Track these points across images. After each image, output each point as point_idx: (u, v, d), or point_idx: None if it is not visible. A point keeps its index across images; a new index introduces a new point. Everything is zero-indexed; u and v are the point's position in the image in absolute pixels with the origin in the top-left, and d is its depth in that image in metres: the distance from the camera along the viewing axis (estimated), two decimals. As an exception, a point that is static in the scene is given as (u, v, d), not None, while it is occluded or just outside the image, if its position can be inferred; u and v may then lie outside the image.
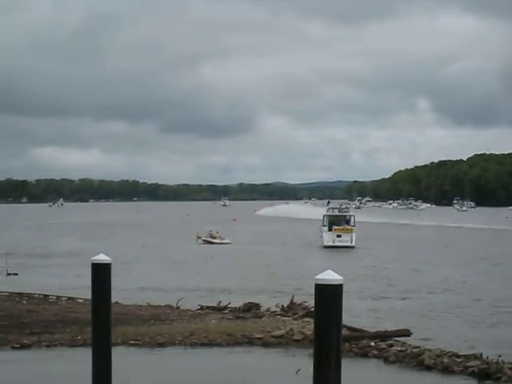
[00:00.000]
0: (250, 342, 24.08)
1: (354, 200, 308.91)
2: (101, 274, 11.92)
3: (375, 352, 22.52)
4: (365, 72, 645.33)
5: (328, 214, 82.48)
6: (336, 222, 78.38)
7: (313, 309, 9.57)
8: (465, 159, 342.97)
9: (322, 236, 77.40)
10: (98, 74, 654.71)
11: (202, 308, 30.75)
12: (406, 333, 23.93)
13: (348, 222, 79.11)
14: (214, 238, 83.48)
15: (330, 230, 76.64)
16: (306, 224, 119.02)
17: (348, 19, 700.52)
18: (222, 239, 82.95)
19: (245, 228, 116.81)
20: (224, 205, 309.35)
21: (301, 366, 19.22)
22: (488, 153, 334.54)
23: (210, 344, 23.73)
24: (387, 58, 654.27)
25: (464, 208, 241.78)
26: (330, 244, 74.56)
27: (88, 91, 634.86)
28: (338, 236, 75.59)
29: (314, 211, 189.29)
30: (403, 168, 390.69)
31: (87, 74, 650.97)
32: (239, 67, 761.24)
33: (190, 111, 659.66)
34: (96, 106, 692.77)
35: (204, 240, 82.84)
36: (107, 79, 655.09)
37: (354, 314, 29.65)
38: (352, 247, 73.70)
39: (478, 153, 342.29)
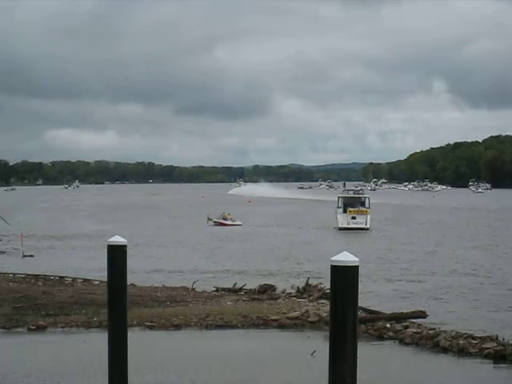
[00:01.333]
0: (265, 323, 24.08)
1: (369, 182, 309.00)
2: (116, 256, 11.88)
3: (391, 334, 22.50)
4: (380, 53, 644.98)
5: (343, 195, 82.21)
6: (351, 203, 77.97)
7: (328, 290, 9.54)
8: (480, 141, 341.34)
9: (336, 218, 77.21)
10: (114, 57, 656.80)
11: (217, 290, 30.79)
12: (422, 314, 23.90)
13: (363, 204, 78.74)
14: (226, 219, 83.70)
15: (344, 211, 76.31)
16: (322, 205, 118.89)
17: (364, 0, 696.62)
18: (234, 221, 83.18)
19: (260, 210, 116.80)
20: (239, 187, 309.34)
21: (316, 347, 19.24)
22: (504, 134, 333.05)
23: (226, 325, 23.75)
24: (403, 39, 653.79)
25: (480, 190, 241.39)
26: (345, 226, 74.27)
27: (103, 74, 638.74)
28: (353, 218, 75.22)
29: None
30: (419, 150, 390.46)
31: (103, 57, 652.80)
32: (254, 49, 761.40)
33: (205, 93, 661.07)
34: (111, 89, 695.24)
35: (215, 222, 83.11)
36: (123, 62, 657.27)
37: (370, 295, 29.64)
38: (367, 229, 73.43)
39: (494, 134, 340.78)
